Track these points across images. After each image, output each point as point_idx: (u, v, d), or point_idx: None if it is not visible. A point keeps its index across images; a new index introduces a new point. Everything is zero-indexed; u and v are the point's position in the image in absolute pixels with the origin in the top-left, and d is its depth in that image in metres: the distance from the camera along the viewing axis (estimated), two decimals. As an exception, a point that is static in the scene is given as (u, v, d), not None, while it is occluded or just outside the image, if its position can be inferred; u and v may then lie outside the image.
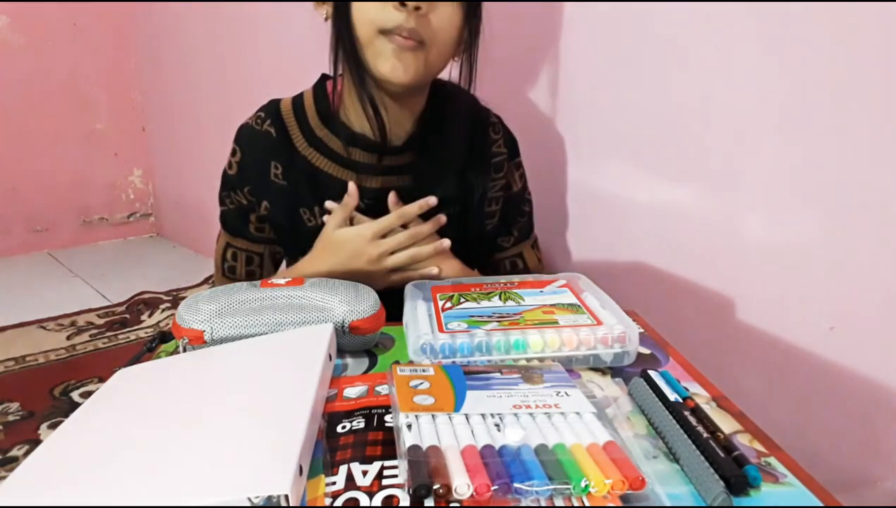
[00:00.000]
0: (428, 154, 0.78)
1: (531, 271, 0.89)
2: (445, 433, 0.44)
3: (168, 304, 2.09)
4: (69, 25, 2.51)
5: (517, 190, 0.88)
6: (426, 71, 0.70)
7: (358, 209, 0.79)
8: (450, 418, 0.45)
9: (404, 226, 0.76)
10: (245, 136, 0.80)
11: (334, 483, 0.41)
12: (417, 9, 0.65)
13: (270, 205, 0.80)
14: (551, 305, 0.65)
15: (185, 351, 0.59)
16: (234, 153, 0.81)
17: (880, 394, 0.73)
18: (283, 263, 0.90)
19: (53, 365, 1.69)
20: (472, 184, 0.82)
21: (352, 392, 0.52)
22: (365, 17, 0.67)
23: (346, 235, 0.74)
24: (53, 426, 1.39)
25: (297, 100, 0.80)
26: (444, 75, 0.78)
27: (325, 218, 0.78)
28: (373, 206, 0.79)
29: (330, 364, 0.55)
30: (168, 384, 0.54)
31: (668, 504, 0.39)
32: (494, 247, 0.89)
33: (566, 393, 0.49)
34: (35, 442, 1.32)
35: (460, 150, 0.80)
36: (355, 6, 0.68)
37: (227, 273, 0.85)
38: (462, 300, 0.67)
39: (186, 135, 2.23)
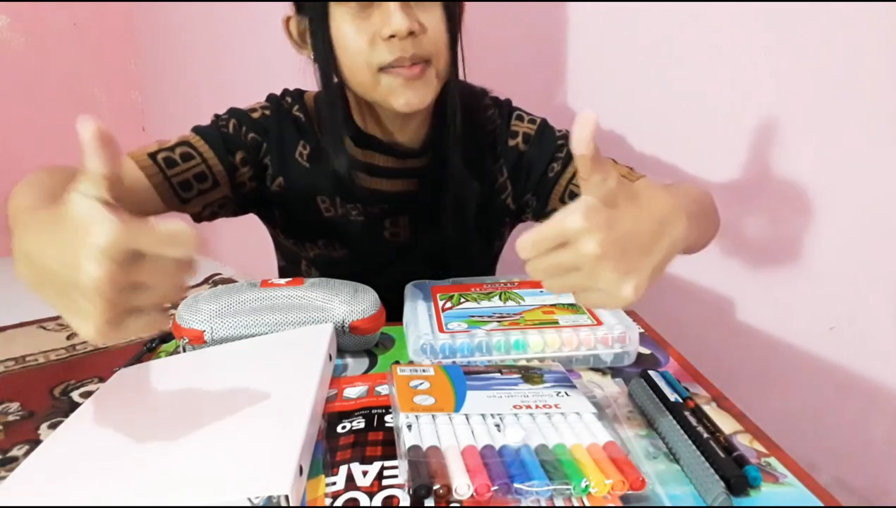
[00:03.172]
0: (446, 155, 0.73)
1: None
2: (445, 433, 0.44)
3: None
4: (69, 25, 2.51)
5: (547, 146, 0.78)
6: (440, 84, 0.67)
7: (373, 214, 0.75)
8: (450, 418, 0.45)
9: None
10: (279, 108, 0.75)
11: (334, 484, 0.41)
12: (412, 33, 0.61)
13: (287, 182, 0.75)
14: (551, 305, 0.65)
15: (185, 351, 0.59)
16: (265, 107, 0.75)
17: (880, 394, 0.73)
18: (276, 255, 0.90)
19: (53, 365, 1.70)
20: (485, 172, 0.77)
21: (352, 392, 0.52)
22: (359, 63, 0.63)
23: (79, 214, 0.37)
24: (53, 426, 1.39)
25: (320, 98, 0.76)
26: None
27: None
28: (389, 211, 0.76)
29: (330, 364, 0.55)
30: (168, 384, 0.54)
31: (668, 505, 0.39)
32: (547, 185, 0.76)
33: (566, 394, 0.49)
34: (35, 442, 1.32)
35: (480, 147, 0.76)
36: (344, 54, 0.64)
37: (159, 160, 0.67)
38: (462, 300, 0.67)
39: (186, 132, 2.23)
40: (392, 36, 0.60)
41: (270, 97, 0.77)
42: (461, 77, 0.71)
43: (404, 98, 0.64)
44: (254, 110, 0.75)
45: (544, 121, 0.79)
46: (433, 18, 0.63)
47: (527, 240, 0.41)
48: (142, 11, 2.44)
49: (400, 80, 0.63)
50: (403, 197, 0.76)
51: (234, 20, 1.84)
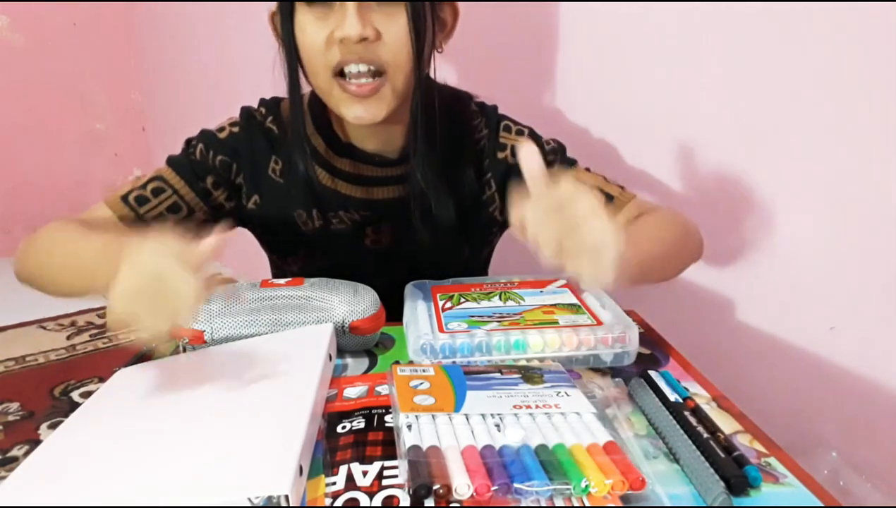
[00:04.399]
0: (423, 163, 0.70)
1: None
2: (445, 433, 0.44)
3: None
4: (69, 25, 2.51)
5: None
6: (395, 99, 0.65)
7: (354, 221, 0.75)
8: (450, 418, 0.45)
9: None
10: (250, 123, 0.74)
11: (334, 484, 0.41)
12: (364, 39, 0.59)
13: (262, 199, 0.75)
14: (551, 305, 0.65)
15: (185, 351, 0.59)
16: (234, 124, 0.74)
17: (880, 394, 0.73)
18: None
19: (53, 365, 1.69)
20: (468, 182, 0.76)
21: (352, 392, 0.52)
22: (316, 63, 0.63)
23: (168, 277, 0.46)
24: (53, 426, 1.39)
25: (289, 98, 0.73)
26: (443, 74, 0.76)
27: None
28: (370, 218, 0.75)
29: (330, 364, 0.55)
30: (168, 384, 0.54)
31: (668, 505, 0.39)
32: None
33: (566, 394, 0.49)
34: (35, 442, 1.32)
35: (463, 157, 0.74)
36: (304, 53, 0.63)
37: (131, 201, 0.69)
38: (462, 300, 0.67)
39: (186, 136, 2.23)
40: (345, 39, 0.59)
41: (243, 111, 0.76)
42: (440, 82, 0.70)
43: (354, 112, 0.64)
44: (222, 129, 0.74)
45: (532, 132, 0.78)
46: (395, 25, 0.61)
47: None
48: (142, 11, 2.44)
49: (349, 95, 0.63)
50: (385, 204, 0.75)
51: (235, 20, 1.84)
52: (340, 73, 0.63)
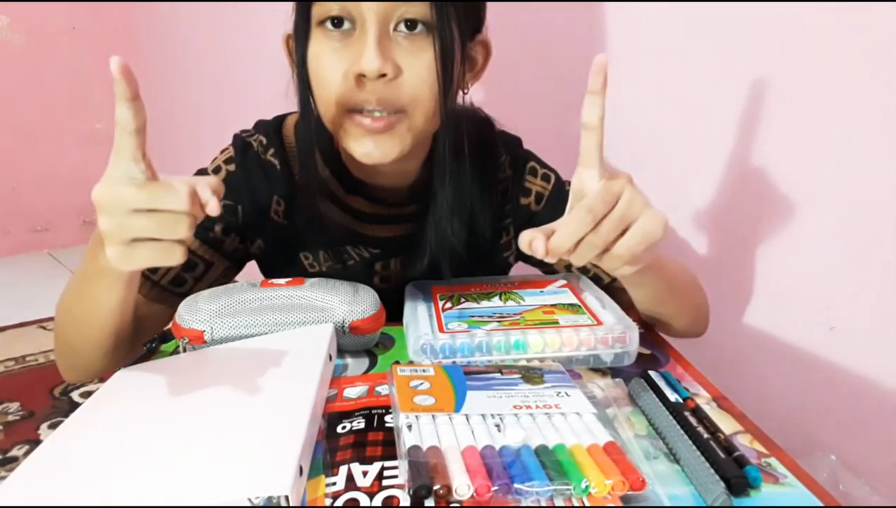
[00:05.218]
0: (437, 201, 0.66)
1: None
2: (446, 433, 0.44)
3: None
4: (69, 25, 2.51)
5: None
6: (413, 139, 0.59)
7: (362, 259, 0.71)
8: (450, 418, 0.45)
9: None
10: (245, 156, 0.68)
11: (334, 484, 0.41)
12: (383, 75, 0.54)
13: (266, 244, 0.70)
14: (551, 305, 0.65)
15: (185, 351, 0.59)
16: (229, 161, 0.68)
17: (880, 394, 0.73)
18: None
19: (53, 365, 1.69)
20: (485, 228, 0.71)
21: (352, 392, 0.52)
22: (327, 95, 0.57)
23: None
24: (53, 426, 1.40)
25: (300, 130, 0.69)
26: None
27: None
28: (379, 256, 0.72)
29: (330, 364, 0.55)
30: (168, 384, 0.54)
31: (668, 505, 0.39)
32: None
33: (566, 394, 0.49)
34: (35, 442, 1.32)
35: (476, 199, 0.68)
36: (315, 82, 0.58)
37: (148, 271, 0.65)
38: (462, 300, 0.67)
39: (185, 136, 2.23)
40: (362, 75, 0.54)
41: (237, 141, 0.69)
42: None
43: (365, 148, 0.58)
44: (217, 169, 0.68)
45: (558, 179, 0.74)
46: (418, 63, 0.55)
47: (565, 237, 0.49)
48: (141, 13, 2.44)
49: (362, 130, 0.57)
50: (397, 241, 0.71)
51: (235, 21, 1.84)
52: (355, 108, 0.57)
